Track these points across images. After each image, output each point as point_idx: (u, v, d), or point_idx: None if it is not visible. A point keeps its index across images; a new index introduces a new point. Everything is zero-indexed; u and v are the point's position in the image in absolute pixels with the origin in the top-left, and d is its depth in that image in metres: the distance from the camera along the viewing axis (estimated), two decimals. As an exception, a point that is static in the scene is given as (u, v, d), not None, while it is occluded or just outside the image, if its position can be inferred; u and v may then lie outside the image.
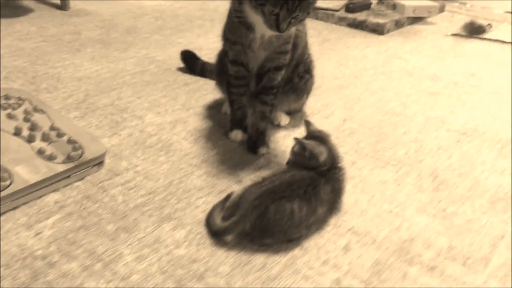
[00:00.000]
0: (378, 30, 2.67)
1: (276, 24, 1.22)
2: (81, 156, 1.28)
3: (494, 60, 2.38)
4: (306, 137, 1.24)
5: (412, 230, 1.17)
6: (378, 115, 1.75)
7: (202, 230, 1.13)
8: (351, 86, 1.98)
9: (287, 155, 1.29)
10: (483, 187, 1.35)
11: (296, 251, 1.08)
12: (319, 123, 1.65)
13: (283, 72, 1.45)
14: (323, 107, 1.78)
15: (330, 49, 2.39)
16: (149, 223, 1.14)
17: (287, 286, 0.99)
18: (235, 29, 1.37)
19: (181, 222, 1.15)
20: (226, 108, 1.64)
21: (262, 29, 1.32)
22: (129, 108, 1.66)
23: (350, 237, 1.14)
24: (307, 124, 1.29)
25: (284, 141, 1.54)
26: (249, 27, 1.34)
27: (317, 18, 2.84)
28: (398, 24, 2.79)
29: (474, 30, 2.77)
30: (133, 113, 1.62)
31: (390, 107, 1.81)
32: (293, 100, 1.61)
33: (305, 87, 1.62)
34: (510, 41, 2.65)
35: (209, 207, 1.20)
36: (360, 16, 2.76)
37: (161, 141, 1.47)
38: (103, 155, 1.33)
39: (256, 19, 1.28)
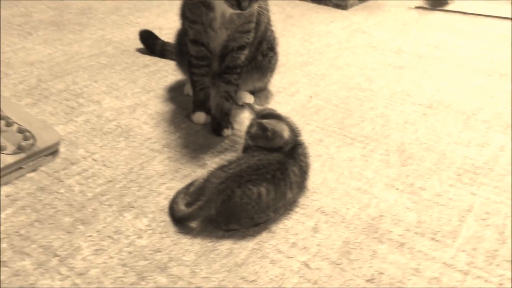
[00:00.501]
0: (341, 5, 2.63)
1: (237, 3, 1.18)
2: (33, 145, 1.21)
3: (457, 31, 2.38)
4: (259, 118, 1.19)
5: (381, 207, 1.15)
6: (344, 91, 1.72)
7: (165, 217, 1.08)
8: (316, 63, 1.94)
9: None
10: (450, 160, 1.35)
11: (264, 235, 1.05)
12: (284, 101, 1.62)
13: (246, 51, 1.40)
14: (288, 85, 1.74)
15: (294, 25, 2.34)
16: (108, 213, 1.08)
17: (255, 272, 0.96)
18: (194, 8, 1.32)
19: (143, 210, 1.10)
20: (188, 89, 1.57)
21: (222, 8, 1.27)
22: (85, 93, 1.57)
23: (318, 217, 1.11)
24: (250, 106, 1.24)
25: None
26: (209, 6, 1.28)
27: (280, -6, 2.77)
28: (362, -2, 2.75)
29: (436, 3, 2.76)
30: (90, 98, 1.54)
31: (356, 83, 1.79)
32: (257, 79, 1.56)
33: (269, 65, 1.57)
34: (471, 12, 2.66)
35: (172, 193, 1.15)
36: (323, -10, 2.70)
37: (120, 126, 1.41)
38: (57, 144, 1.26)
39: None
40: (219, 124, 1.41)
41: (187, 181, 1.19)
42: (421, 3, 2.78)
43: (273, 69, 1.61)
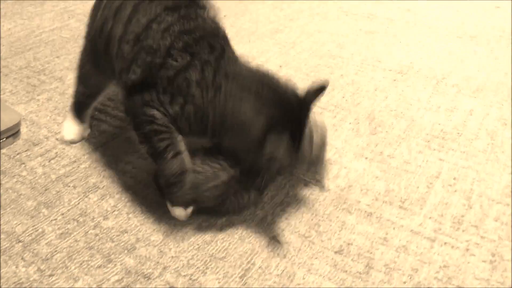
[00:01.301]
0: (312, -32, 2.57)
1: None
2: (-9, 128, 1.16)
3: (429, -7, 2.35)
4: None
5: (350, 177, 1.15)
6: (314, 59, 1.69)
7: (132, 197, 1.06)
8: (287, 30, 1.90)
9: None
10: (419, 126, 1.35)
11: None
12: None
13: None
14: (258, 54, 1.70)
15: (264, -9, 2.28)
16: (73, 195, 1.06)
17: (224, 249, 0.96)
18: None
19: (109, 191, 1.08)
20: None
21: None
22: (47, 69, 1.52)
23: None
24: None
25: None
26: None
27: (249, -42, 2.69)
28: (333, -39, 2.69)
29: (409, -37, 2.72)
30: (52, 74, 1.49)
31: (326, 50, 1.76)
32: None
33: None
34: (444, -27, 2.62)
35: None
36: (293, -46, 2.63)
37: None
38: (18, 124, 1.22)
39: None
40: None
41: (154, 158, 1.16)
42: (393, -35, 2.73)
43: None
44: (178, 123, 0.94)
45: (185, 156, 0.94)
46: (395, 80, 1.57)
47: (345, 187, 1.12)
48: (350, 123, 1.35)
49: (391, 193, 1.11)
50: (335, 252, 0.96)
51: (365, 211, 1.05)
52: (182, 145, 0.94)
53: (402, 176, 1.16)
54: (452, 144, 1.27)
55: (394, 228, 1.01)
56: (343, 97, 1.47)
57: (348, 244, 0.98)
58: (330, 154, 1.23)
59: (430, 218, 1.04)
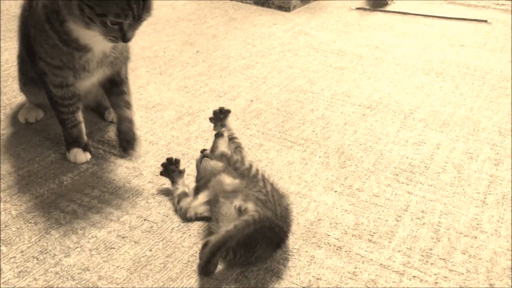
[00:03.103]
0: (284, 7, 2.63)
1: (121, 35, 1.03)
2: (-49, 162, 1.13)
3: (396, 31, 2.42)
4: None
5: (319, 210, 1.14)
6: (285, 94, 1.71)
7: (96, 233, 1.03)
8: (258, 66, 1.93)
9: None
10: (388, 160, 1.36)
11: (198, 248, 1.02)
12: (225, 106, 1.59)
13: (127, 62, 1.31)
14: (229, 89, 1.71)
15: (236, 28, 2.32)
16: (34, 232, 1.02)
17: (189, 285, 0.93)
18: (60, 53, 1.13)
19: (72, 227, 1.04)
20: (27, 115, 1.41)
21: (101, 46, 1.13)
22: (13, 104, 1.49)
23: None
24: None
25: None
26: (82, 48, 1.12)
27: (223, -3, 2.75)
28: (304, 0, 2.77)
29: (377, 4, 2.81)
30: (18, 109, 1.46)
31: (297, 85, 1.78)
32: None
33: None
34: (410, 12, 2.72)
35: (104, 206, 1.10)
36: (266, -7, 2.70)
37: (50, 138, 1.34)
38: (-21, 159, 1.18)
39: (91, 37, 1.08)
40: (129, 141, 1.27)
41: (121, 193, 1.14)
42: (362, 4, 2.82)
43: None
44: None
45: None
46: (364, 115, 1.60)
47: (314, 221, 1.11)
48: (320, 157, 1.36)
49: (360, 226, 1.10)
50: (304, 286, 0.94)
51: (334, 245, 1.04)
52: None
53: (371, 209, 1.16)
54: (420, 177, 1.29)
55: (363, 262, 1.00)
56: (313, 131, 1.48)
57: (317, 279, 0.96)
58: (299, 187, 1.23)
59: (399, 251, 1.04)
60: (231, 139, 1.18)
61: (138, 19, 1.03)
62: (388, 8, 2.80)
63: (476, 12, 2.73)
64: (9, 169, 1.20)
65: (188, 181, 1.20)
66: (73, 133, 1.27)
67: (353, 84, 1.81)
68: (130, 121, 1.29)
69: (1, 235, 1.01)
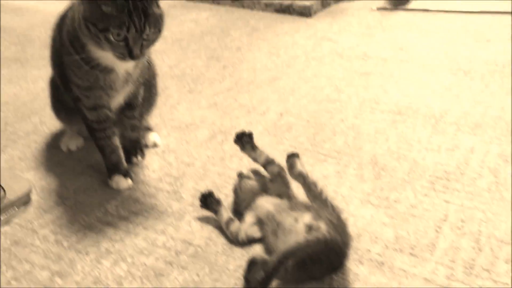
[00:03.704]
0: (305, 12, 2.65)
1: (128, 51, 1.06)
2: (3, 198, 1.19)
3: (420, 30, 2.41)
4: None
5: (358, 226, 1.16)
6: (313, 105, 1.73)
7: (144, 260, 1.07)
8: (284, 77, 1.95)
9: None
10: (422, 168, 1.37)
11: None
12: (255, 121, 1.62)
13: (143, 87, 1.36)
14: (258, 103, 1.74)
15: (260, 38, 2.34)
16: (86, 262, 1.07)
17: (239, 309, 0.96)
18: (87, 74, 1.18)
19: (121, 255, 1.09)
20: (68, 143, 1.47)
21: (124, 66, 1.18)
22: (54, 134, 1.55)
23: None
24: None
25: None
26: (106, 69, 1.17)
27: (243, 7, 2.78)
28: (324, 4, 2.78)
29: (398, 2, 2.80)
30: (59, 138, 1.52)
31: (325, 94, 1.80)
32: (145, 112, 1.48)
33: (154, 96, 1.51)
34: (432, 9, 2.70)
35: (149, 233, 1.14)
36: (285, 0, 2.72)
37: (92, 166, 1.39)
38: (28, 193, 1.24)
39: (110, 57, 1.11)
40: (129, 152, 1.38)
41: (164, 218, 1.18)
42: (383, 4, 2.81)
43: (155, 101, 1.53)
44: None
45: None
46: (394, 122, 1.60)
47: (354, 237, 1.13)
48: (354, 169, 1.37)
49: (401, 240, 1.12)
50: (350, 306, 0.96)
51: (377, 261, 1.06)
52: None
53: (409, 221, 1.17)
54: (456, 184, 1.29)
55: (407, 278, 1.02)
56: (345, 142, 1.50)
57: (362, 296, 0.98)
58: (336, 202, 1.24)
59: (441, 264, 1.05)
60: (269, 162, 1.20)
61: (141, 32, 1.05)
62: (409, 6, 2.78)
63: (500, 4, 2.69)
64: (57, 200, 1.26)
65: (227, 202, 1.23)
66: (113, 159, 1.32)
67: (381, 90, 1.82)
68: (130, 139, 1.39)
69: (56, 267, 1.06)
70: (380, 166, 1.38)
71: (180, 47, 2.25)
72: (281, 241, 1.01)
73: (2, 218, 1.17)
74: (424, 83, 1.86)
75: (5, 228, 1.17)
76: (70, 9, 1.21)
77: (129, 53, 1.07)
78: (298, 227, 0.99)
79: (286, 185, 1.18)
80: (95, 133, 1.30)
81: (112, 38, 1.05)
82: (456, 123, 1.57)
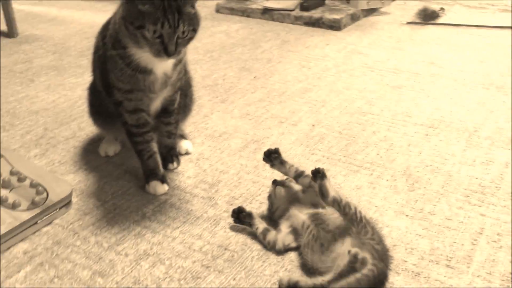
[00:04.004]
0: (335, 26, 2.67)
1: (163, 48, 1.10)
2: (46, 199, 1.23)
3: (450, 44, 2.41)
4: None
5: (393, 236, 1.17)
6: (345, 116, 1.74)
7: (182, 263, 1.10)
8: (316, 89, 1.97)
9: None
10: (457, 181, 1.36)
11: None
12: (288, 132, 1.64)
13: (178, 93, 1.38)
14: (290, 114, 1.76)
15: (290, 51, 2.37)
16: (126, 263, 1.10)
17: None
18: (128, 76, 1.22)
19: (159, 257, 1.11)
20: (106, 148, 1.51)
21: (162, 67, 1.22)
22: (92, 139, 1.60)
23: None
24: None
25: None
26: (145, 71, 1.21)
27: (273, 20, 2.82)
28: (354, 18, 2.80)
29: (428, 16, 2.80)
30: (97, 143, 1.57)
31: (356, 107, 1.81)
32: (181, 119, 1.51)
33: (190, 103, 1.54)
34: (463, 23, 2.70)
35: (186, 237, 1.16)
36: (315, 13, 2.75)
37: (129, 172, 1.43)
38: (69, 195, 1.27)
39: (149, 58, 1.16)
40: (165, 158, 1.41)
41: (200, 223, 1.21)
42: (413, 18, 2.82)
43: (191, 109, 1.56)
44: None
45: None
46: (427, 135, 1.61)
47: (390, 247, 1.13)
48: (387, 180, 1.38)
49: (437, 251, 1.12)
50: (386, 315, 0.96)
51: (413, 271, 1.06)
52: None
53: (445, 233, 1.17)
54: (492, 198, 1.28)
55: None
56: (378, 154, 1.51)
57: (399, 306, 0.98)
58: (370, 212, 1.25)
59: (478, 276, 1.04)
60: (299, 174, 1.20)
61: (175, 29, 1.09)
62: (439, 20, 2.78)
63: (533, 20, 2.67)
64: (96, 203, 1.29)
65: (261, 209, 1.25)
66: (150, 164, 1.35)
67: (412, 103, 1.82)
68: (166, 146, 1.43)
69: (97, 267, 1.09)
70: (414, 178, 1.38)
71: (211, 58, 2.29)
72: (319, 259, 1.03)
73: (45, 218, 1.21)
74: (456, 98, 1.86)
75: (47, 229, 1.20)
76: (112, 17, 1.26)
77: (164, 50, 1.11)
78: (340, 251, 0.99)
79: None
80: (134, 137, 1.34)
81: (147, 35, 1.09)
82: (491, 138, 1.57)
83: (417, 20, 2.80)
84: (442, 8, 2.87)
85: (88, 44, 2.42)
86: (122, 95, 1.27)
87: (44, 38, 2.55)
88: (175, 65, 1.26)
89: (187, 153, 1.51)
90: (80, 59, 2.25)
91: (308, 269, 1.06)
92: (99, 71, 1.35)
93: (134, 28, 1.10)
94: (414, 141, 1.57)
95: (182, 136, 1.56)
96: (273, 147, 1.22)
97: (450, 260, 1.09)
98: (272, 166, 1.23)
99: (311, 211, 1.13)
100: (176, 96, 1.38)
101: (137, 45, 1.14)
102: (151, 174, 1.35)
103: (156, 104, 1.34)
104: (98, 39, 1.34)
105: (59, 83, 2.01)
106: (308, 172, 1.15)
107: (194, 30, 1.14)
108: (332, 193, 1.08)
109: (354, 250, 0.96)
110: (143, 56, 1.17)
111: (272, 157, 1.22)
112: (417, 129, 1.64)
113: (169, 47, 1.11)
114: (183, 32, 1.11)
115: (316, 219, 1.09)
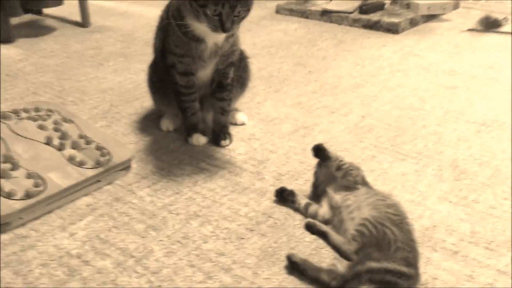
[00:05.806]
0: (393, 29, 2.69)
1: (220, 24, 1.23)
2: (109, 161, 1.34)
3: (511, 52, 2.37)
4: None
5: (434, 218, 1.19)
6: (396, 111, 1.76)
7: (228, 225, 1.17)
8: (368, 85, 2.00)
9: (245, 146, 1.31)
10: (504, 175, 1.36)
11: (320, 242, 1.11)
12: (337, 121, 1.69)
13: (233, 69, 1.50)
14: (341, 106, 1.81)
15: (346, 50, 2.41)
16: (177, 221, 1.18)
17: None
18: (183, 43, 1.37)
19: (208, 219, 1.19)
20: (167, 125, 1.62)
21: (213, 38, 1.35)
22: (149, 116, 1.71)
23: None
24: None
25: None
26: (198, 39, 1.35)
27: (331, 21, 2.87)
28: (413, 23, 2.80)
29: (490, 25, 2.76)
30: (156, 121, 1.68)
31: (408, 103, 1.83)
32: (239, 93, 1.64)
33: (247, 76, 1.65)
34: (527, 33, 2.64)
35: (233, 204, 1.24)
36: (374, 16, 2.78)
37: (184, 145, 1.52)
38: (129, 160, 1.38)
39: (203, 29, 1.28)
40: (218, 136, 1.52)
41: (247, 193, 1.28)
42: (474, 26, 2.79)
43: (246, 85, 1.66)
44: None
45: None
46: (478, 132, 1.60)
47: (429, 227, 1.16)
48: (433, 169, 1.40)
49: (477, 234, 1.13)
50: (421, 285, 0.99)
51: (451, 250, 1.08)
52: None
53: (487, 219, 1.18)
54: (540, 192, 1.28)
55: (480, 267, 1.03)
56: (425, 146, 1.52)
57: (434, 278, 1.01)
58: (413, 196, 1.28)
59: (518, 259, 1.05)
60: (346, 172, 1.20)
61: (233, 9, 1.21)
62: (502, 29, 2.74)
63: None
64: (153, 169, 1.39)
65: (306, 186, 1.30)
66: (193, 120, 1.51)
67: (466, 103, 1.82)
68: (220, 123, 1.54)
69: (150, 222, 1.18)
70: (460, 169, 1.39)
71: (268, 53, 2.37)
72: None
73: (107, 177, 1.32)
74: (512, 100, 1.84)
75: (108, 187, 1.31)
76: None
77: (221, 27, 1.23)
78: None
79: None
80: (181, 96, 1.48)
81: (209, 12, 1.22)
82: (544, 138, 1.55)
83: (478, 28, 2.77)
84: (505, 18, 2.81)
85: (153, 35, 2.57)
86: (176, 58, 1.42)
87: (114, 29, 2.72)
88: (227, 37, 1.38)
89: (243, 124, 1.63)
90: (145, 48, 2.38)
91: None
92: (159, 39, 1.50)
93: (198, 6, 1.23)
94: (464, 137, 1.57)
95: (237, 110, 1.67)
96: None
97: (490, 244, 1.10)
98: (324, 161, 1.23)
99: (344, 194, 1.15)
100: (229, 70, 1.49)
101: (196, 19, 1.27)
102: (193, 128, 1.51)
103: (207, 73, 1.46)
104: (163, 12, 1.49)
105: (125, 67, 2.16)
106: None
107: (248, 10, 1.27)
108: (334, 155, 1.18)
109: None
110: (199, 28, 1.31)
111: (321, 154, 1.22)
112: (468, 126, 1.64)
113: (226, 24, 1.23)
114: (239, 12, 1.24)
115: (347, 203, 1.12)
